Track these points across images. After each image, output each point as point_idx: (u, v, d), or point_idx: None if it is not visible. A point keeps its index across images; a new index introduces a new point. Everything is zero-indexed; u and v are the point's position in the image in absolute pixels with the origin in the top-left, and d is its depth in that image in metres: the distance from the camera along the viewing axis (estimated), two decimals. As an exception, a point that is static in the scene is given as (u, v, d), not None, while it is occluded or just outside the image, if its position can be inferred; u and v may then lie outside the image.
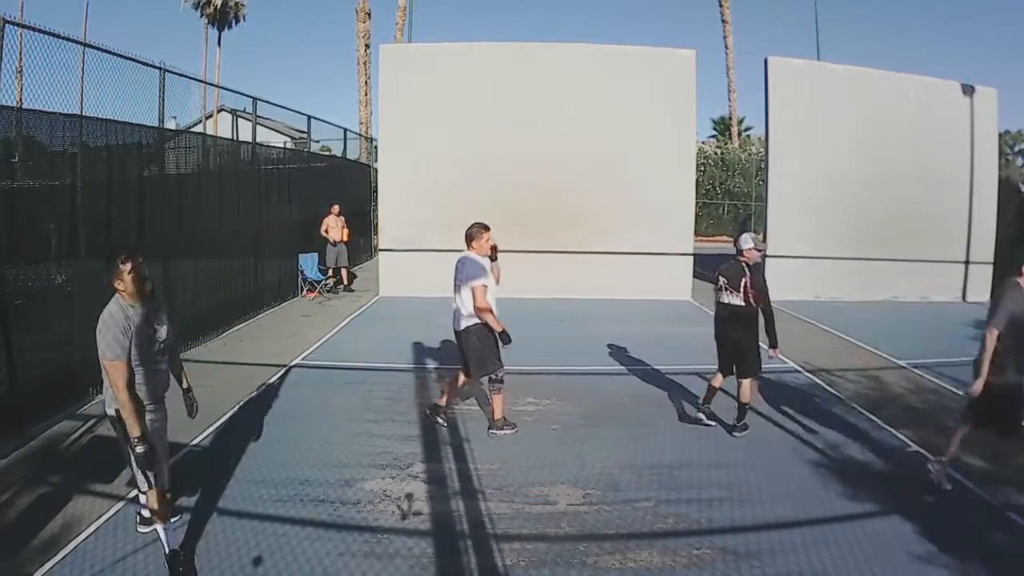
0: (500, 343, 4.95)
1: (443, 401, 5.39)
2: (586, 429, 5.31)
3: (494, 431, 5.13)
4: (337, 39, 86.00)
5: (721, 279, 5.12)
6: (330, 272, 11.91)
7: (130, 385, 3.03)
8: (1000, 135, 14.17)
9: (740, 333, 5.06)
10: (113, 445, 3.36)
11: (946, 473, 4.26)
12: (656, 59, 11.71)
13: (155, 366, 3.17)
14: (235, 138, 11.45)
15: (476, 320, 4.91)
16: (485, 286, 4.82)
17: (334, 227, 11.61)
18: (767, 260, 11.95)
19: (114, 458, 3.63)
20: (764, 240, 12.63)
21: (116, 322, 3.01)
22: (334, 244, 11.67)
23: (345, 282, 12.06)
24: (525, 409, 5.74)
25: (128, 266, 3.06)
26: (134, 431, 3.02)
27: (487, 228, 5.00)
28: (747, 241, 5.04)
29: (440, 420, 5.29)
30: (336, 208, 11.72)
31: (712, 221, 25.20)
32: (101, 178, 6.22)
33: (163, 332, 3.24)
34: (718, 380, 5.31)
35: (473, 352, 4.99)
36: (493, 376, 5.04)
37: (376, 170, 13.37)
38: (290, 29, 68.07)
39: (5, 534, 3.52)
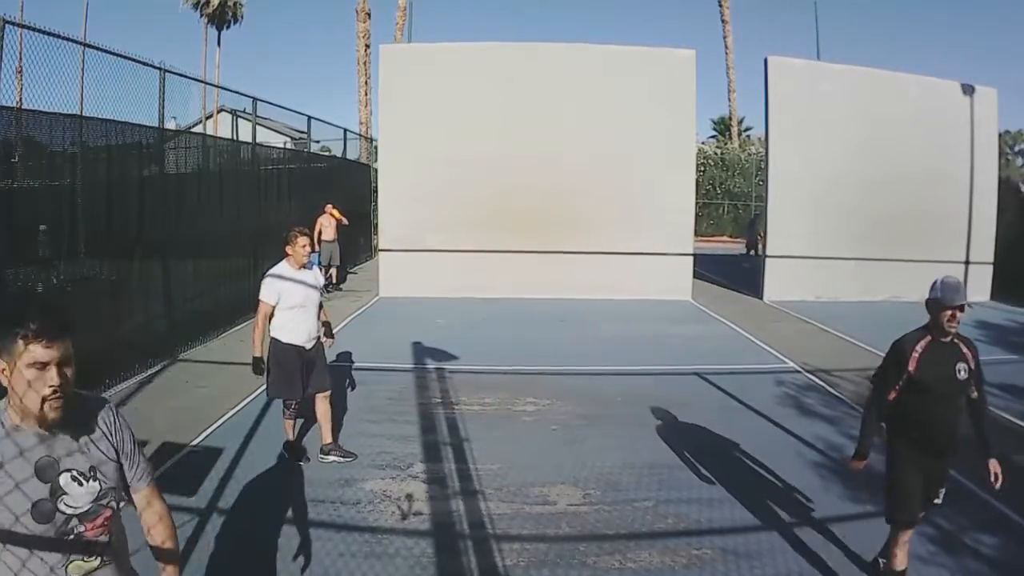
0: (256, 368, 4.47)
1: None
2: (586, 429, 5.30)
3: (286, 451, 4.65)
4: (337, 39, 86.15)
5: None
6: (322, 270, 11.95)
7: None
8: (1000, 135, 14.17)
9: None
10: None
11: None
12: (656, 59, 11.70)
13: (52, 555, 1.56)
14: (235, 138, 11.45)
15: (275, 336, 4.44)
16: (267, 303, 4.37)
17: (327, 226, 11.66)
18: (767, 260, 12.00)
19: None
20: (764, 240, 12.61)
21: None
22: (328, 242, 11.75)
23: (334, 280, 12.04)
24: (525, 409, 5.74)
25: (18, 348, 1.51)
26: None
27: (306, 234, 4.58)
28: (942, 291, 2.88)
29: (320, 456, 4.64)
30: (329, 206, 11.74)
31: (712, 221, 25.22)
32: (101, 178, 6.22)
33: (77, 497, 1.60)
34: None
35: (271, 369, 4.49)
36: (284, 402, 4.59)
37: (376, 170, 13.38)
38: (290, 29, 68.23)
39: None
